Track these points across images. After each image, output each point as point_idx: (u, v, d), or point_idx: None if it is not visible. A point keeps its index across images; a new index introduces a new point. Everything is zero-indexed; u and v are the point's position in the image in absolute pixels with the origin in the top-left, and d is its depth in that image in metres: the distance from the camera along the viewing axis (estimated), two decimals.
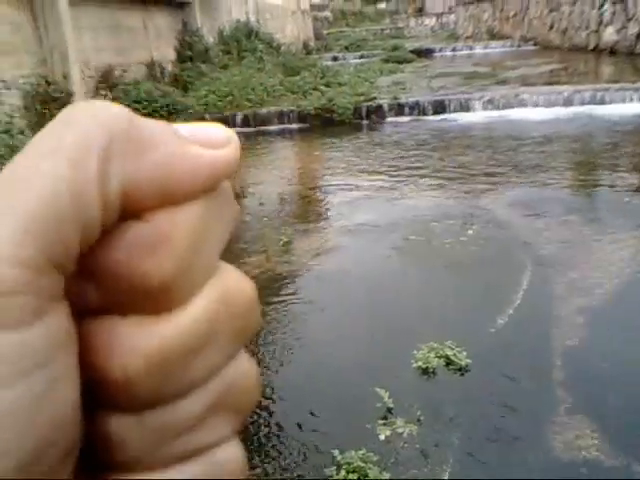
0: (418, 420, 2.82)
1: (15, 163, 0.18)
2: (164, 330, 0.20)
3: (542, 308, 3.83)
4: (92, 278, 0.19)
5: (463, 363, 3.19)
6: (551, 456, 2.58)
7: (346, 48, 32.43)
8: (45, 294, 0.17)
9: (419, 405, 2.92)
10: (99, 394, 0.20)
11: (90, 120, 0.19)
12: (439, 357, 3.23)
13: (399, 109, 11.44)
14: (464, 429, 2.79)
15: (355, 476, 2.47)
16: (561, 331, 3.50)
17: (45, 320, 0.18)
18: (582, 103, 10.55)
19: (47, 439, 0.18)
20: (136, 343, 0.19)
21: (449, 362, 3.21)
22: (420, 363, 3.20)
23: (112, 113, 0.20)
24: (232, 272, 0.22)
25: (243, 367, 0.23)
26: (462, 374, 3.16)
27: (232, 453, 0.23)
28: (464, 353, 3.25)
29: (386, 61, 21.19)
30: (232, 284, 0.22)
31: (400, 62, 21.11)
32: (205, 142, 0.21)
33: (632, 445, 2.63)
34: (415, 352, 3.28)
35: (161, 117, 11.77)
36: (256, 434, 2.83)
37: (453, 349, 3.27)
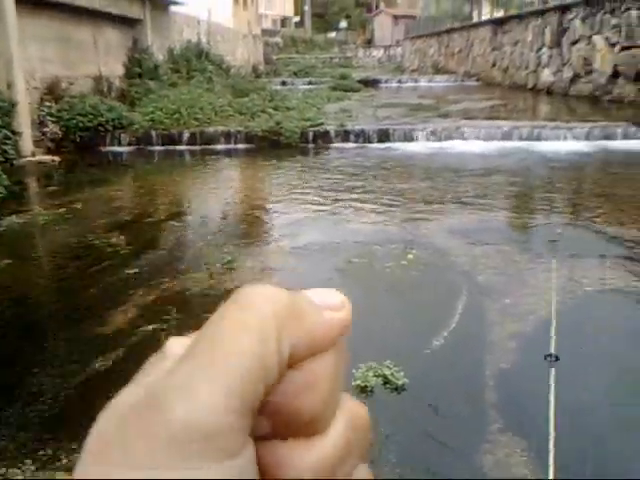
0: None
1: (211, 338, 0.25)
2: (317, 453, 0.26)
3: (476, 332, 3.96)
4: (262, 413, 0.25)
5: (400, 382, 3.27)
6: (481, 473, 2.67)
7: (295, 74, 32.84)
8: (248, 431, 0.24)
9: None
10: None
11: (265, 304, 0.25)
12: (377, 376, 3.30)
13: (345, 136, 11.67)
14: (400, 447, 2.86)
15: None
16: (494, 355, 3.63)
17: (248, 448, 0.24)
18: (520, 138, 10.99)
19: None
20: (301, 464, 0.26)
21: (387, 381, 3.28)
22: (359, 381, 3.26)
23: (278, 296, 0.26)
24: (351, 400, 0.29)
25: (364, 476, 0.29)
26: (399, 393, 3.23)
27: None
28: (401, 373, 3.33)
29: (334, 89, 21.53)
30: (354, 411, 0.28)
31: (347, 90, 21.50)
32: (328, 306, 0.28)
33: (557, 460, 2.75)
34: (354, 371, 3.34)
35: (106, 131, 11.63)
36: None
37: (391, 369, 3.34)
